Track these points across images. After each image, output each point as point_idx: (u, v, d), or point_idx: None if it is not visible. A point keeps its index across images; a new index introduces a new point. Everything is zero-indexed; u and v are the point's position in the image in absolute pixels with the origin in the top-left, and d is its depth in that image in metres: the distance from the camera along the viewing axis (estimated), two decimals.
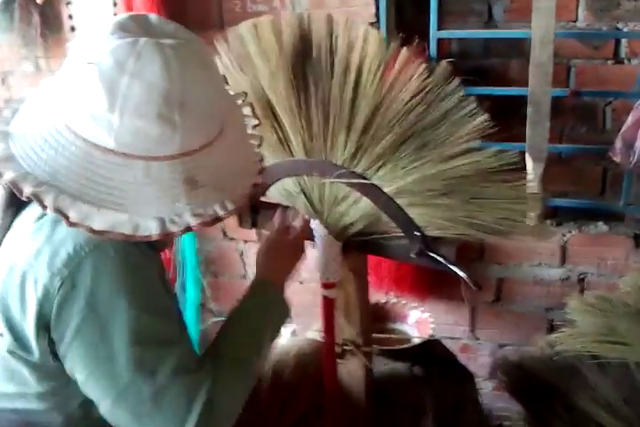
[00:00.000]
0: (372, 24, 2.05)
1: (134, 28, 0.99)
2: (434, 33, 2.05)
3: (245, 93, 1.27)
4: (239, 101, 1.25)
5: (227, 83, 1.30)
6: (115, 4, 2.17)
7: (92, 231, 0.96)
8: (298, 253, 1.42)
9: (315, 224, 1.51)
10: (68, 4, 2.27)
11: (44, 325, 1.00)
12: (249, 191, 1.11)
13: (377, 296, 2.15)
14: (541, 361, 1.91)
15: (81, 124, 0.97)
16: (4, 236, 1.11)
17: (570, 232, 2.16)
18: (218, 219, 1.03)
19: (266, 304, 1.27)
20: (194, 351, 1.10)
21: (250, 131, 1.22)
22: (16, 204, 1.11)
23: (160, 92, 0.94)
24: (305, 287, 2.35)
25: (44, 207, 0.95)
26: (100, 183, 0.97)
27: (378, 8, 2.04)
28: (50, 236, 1.02)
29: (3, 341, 1.04)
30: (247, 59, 1.52)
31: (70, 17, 2.29)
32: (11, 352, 1.04)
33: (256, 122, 1.24)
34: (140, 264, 1.04)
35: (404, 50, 1.45)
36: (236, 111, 1.21)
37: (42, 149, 0.98)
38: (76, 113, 0.97)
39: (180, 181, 0.99)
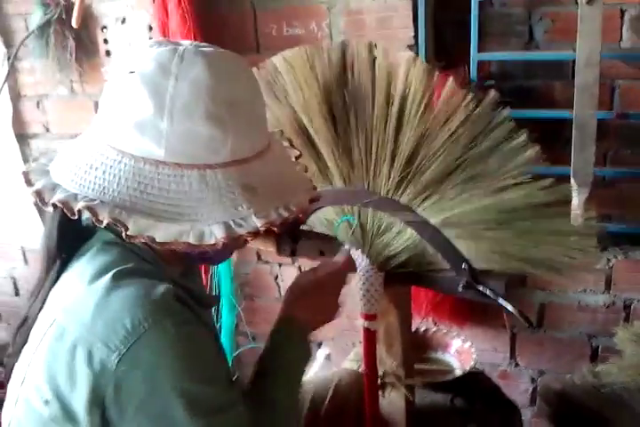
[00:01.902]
0: (410, 47, 2.02)
1: (171, 43, 0.99)
2: (474, 55, 2.01)
3: (282, 131, 1.26)
4: (277, 136, 1.22)
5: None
6: (150, 29, 2.17)
7: (155, 243, 0.93)
8: (336, 301, 1.31)
9: (357, 254, 1.47)
10: (104, 28, 2.28)
11: (98, 400, 0.94)
12: (307, 204, 1.09)
13: (415, 322, 2.11)
14: (585, 391, 1.86)
15: (127, 139, 0.95)
16: (50, 289, 1.05)
17: (615, 257, 2.10)
18: (284, 220, 1.01)
19: (305, 355, 1.22)
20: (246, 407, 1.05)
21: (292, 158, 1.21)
22: (63, 254, 1.06)
23: (207, 90, 0.94)
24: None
25: (100, 221, 0.93)
26: (155, 195, 0.95)
27: (417, 30, 2.01)
28: (104, 305, 0.95)
29: (47, 409, 0.97)
30: (283, 89, 1.50)
31: (106, 41, 2.30)
32: (54, 420, 0.97)
33: (297, 153, 1.22)
34: (197, 334, 0.99)
35: (450, 79, 1.41)
36: (277, 138, 1.20)
37: (87, 173, 0.97)
38: (121, 128, 0.95)
39: (238, 188, 0.97)
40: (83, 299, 0.97)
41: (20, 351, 1.04)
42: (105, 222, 0.93)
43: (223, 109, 0.95)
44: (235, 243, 0.99)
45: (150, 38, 2.20)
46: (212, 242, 0.95)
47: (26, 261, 2.89)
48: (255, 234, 0.97)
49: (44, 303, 1.04)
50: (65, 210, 0.94)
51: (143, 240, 0.93)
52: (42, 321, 1.02)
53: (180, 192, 0.96)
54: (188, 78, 0.94)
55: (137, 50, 0.99)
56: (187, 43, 1.01)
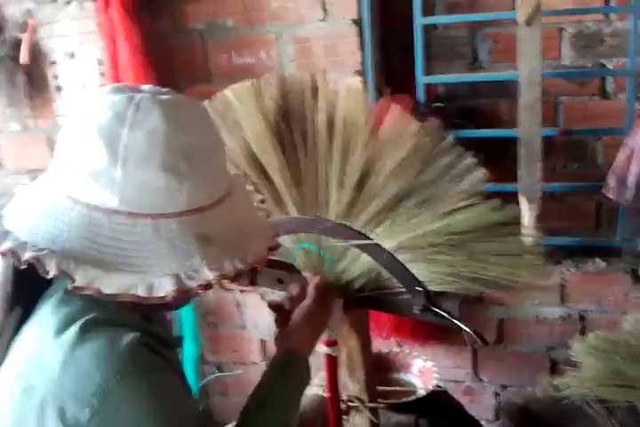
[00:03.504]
0: (358, 72, 2.05)
1: (128, 89, 0.97)
2: (420, 78, 2.05)
3: (245, 174, 1.25)
4: (239, 180, 1.19)
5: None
6: (100, 63, 2.18)
7: (102, 295, 0.91)
8: (325, 315, 1.39)
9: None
10: (53, 63, 2.27)
11: None
12: (265, 254, 1.06)
13: (377, 343, 2.13)
14: (547, 404, 1.89)
15: (81, 187, 0.93)
16: (11, 339, 1.02)
17: (568, 270, 2.15)
18: (238, 272, 0.97)
19: (302, 382, 1.25)
20: None
21: (255, 203, 1.20)
22: (22, 302, 1.03)
23: (163, 140, 0.92)
24: None
25: (47, 272, 0.90)
26: (105, 245, 0.92)
27: (364, 56, 2.04)
28: (72, 360, 0.93)
29: None
30: (235, 120, 1.51)
31: (55, 77, 2.29)
32: None
33: (261, 197, 1.22)
34: (167, 381, 0.98)
35: (394, 105, 1.45)
36: (239, 181, 1.16)
37: (39, 219, 0.94)
38: (76, 176, 0.93)
39: (192, 238, 0.94)
40: (49, 354, 0.95)
41: None
42: (51, 275, 0.90)
43: (180, 159, 0.92)
44: (186, 294, 0.96)
45: (101, 73, 2.20)
46: (162, 295, 0.92)
47: None
48: (207, 287, 0.95)
49: (5, 353, 1.02)
50: (13, 260, 0.92)
51: (90, 292, 0.91)
52: (6, 374, 0.99)
53: (132, 242, 0.93)
54: (143, 127, 0.91)
55: (93, 95, 0.96)
56: (146, 88, 0.99)
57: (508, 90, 2.16)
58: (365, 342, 1.59)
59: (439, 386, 1.91)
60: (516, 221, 1.41)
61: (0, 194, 1.06)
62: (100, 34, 2.11)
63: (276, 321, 1.37)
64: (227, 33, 2.16)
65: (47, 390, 0.92)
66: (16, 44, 2.24)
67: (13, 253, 0.92)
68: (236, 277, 0.98)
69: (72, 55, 2.24)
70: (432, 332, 2.26)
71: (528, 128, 1.92)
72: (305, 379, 1.26)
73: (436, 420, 1.79)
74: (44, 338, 0.97)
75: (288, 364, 1.25)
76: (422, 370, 1.99)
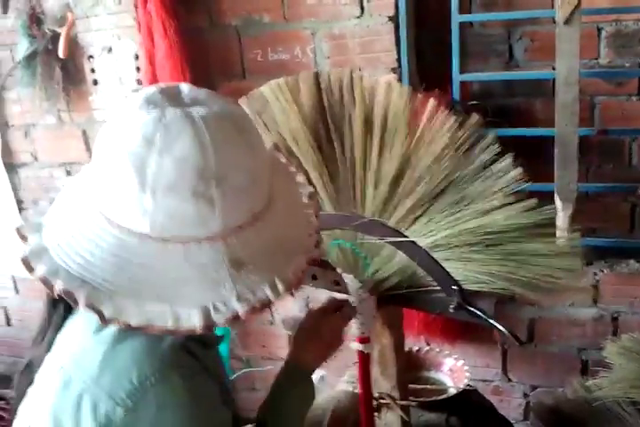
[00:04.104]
0: (393, 70, 2.04)
1: (162, 100, 0.91)
2: (456, 76, 2.04)
3: (297, 160, 1.22)
4: (292, 169, 1.15)
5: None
6: (137, 58, 2.19)
7: (130, 328, 0.89)
8: (338, 342, 1.35)
9: (348, 279, 1.48)
10: (90, 57, 2.29)
11: None
12: (304, 268, 1.00)
13: (408, 342, 2.13)
14: (578, 405, 1.87)
15: (114, 209, 0.91)
16: (55, 334, 1.04)
17: (601, 271, 2.13)
18: (267, 303, 0.93)
19: (306, 397, 1.27)
20: None
21: (305, 200, 1.10)
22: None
23: (193, 166, 0.87)
24: None
25: (76, 304, 0.89)
26: (137, 273, 0.90)
27: (399, 53, 2.04)
28: (111, 357, 0.94)
29: None
30: (270, 118, 1.52)
31: (92, 70, 2.31)
32: None
33: (311, 189, 1.12)
34: (202, 387, 0.98)
35: (431, 101, 1.44)
36: (286, 179, 1.11)
37: (75, 240, 0.93)
38: (109, 198, 0.91)
39: (225, 263, 0.91)
40: (89, 349, 0.96)
41: (23, 394, 1.04)
42: (81, 308, 0.89)
43: (210, 184, 0.88)
44: (215, 327, 0.92)
45: (137, 68, 2.22)
46: (189, 327, 0.90)
47: (17, 290, 2.89)
48: (236, 318, 0.91)
49: (49, 349, 1.03)
50: (46, 287, 0.91)
51: (118, 325, 0.89)
52: (49, 366, 1.01)
53: (163, 270, 0.91)
54: (172, 153, 0.87)
55: (125, 109, 0.92)
56: (183, 95, 0.94)
57: (543, 89, 2.15)
58: (398, 340, 1.60)
59: (470, 385, 1.90)
60: (552, 222, 1.41)
61: (45, 189, 1.03)
62: (137, 28, 2.12)
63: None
64: (262, 29, 2.15)
65: (85, 385, 0.94)
66: (54, 38, 2.26)
67: (45, 282, 0.91)
68: (264, 308, 0.93)
69: (109, 49, 2.26)
70: (462, 331, 2.25)
71: (565, 128, 1.90)
72: (308, 393, 1.28)
73: (467, 419, 1.79)
74: (86, 334, 0.98)
75: (290, 378, 1.27)
76: (453, 369, 1.99)
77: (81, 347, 0.98)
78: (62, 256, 0.92)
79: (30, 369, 1.05)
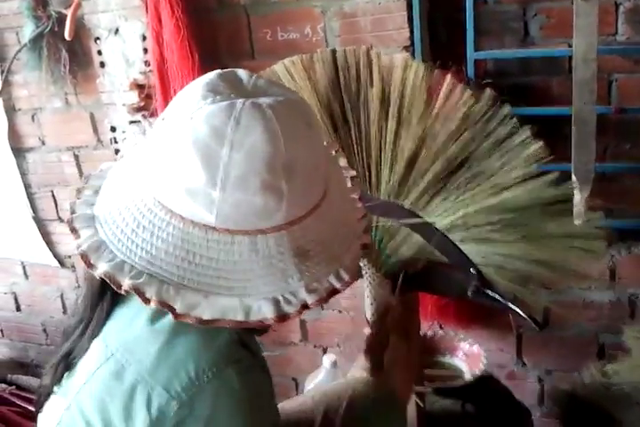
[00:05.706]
0: (406, 48, 2.00)
1: (225, 88, 0.90)
2: (471, 54, 2.00)
3: (339, 143, 1.19)
4: (333, 152, 1.13)
5: None
6: (144, 39, 2.15)
7: (202, 322, 0.88)
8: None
9: (363, 262, 1.46)
10: (97, 39, 2.26)
11: None
12: (359, 255, 1.02)
13: (422, 327, 2.10)
14: (594, 390, 1.85)
15: (175, 200, 0.89)
16: (102, 324, 1.00)
17: (619, 253, 2.09)
18: (334, 292, 0.94)
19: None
20: None
21: (349, 184, 1.11)
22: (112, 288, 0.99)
23: (264, 160, 0.86)
24: (344, 317, 2.31)
25: (147, 301, 0.88)
26: (203, 266, 0.90)
27: (412, 31, 2.00)
28: (168, 349, 0.92)
29: None
30: None
31: (99, 53, 2.27)
32: None
33: (353, 173, 1.12)
34: (257, 382, 0.96)
35: (448, 77, 1.41)
36: (334, 165, 1.10)
37: (134, 232, 0.91)
38: (169, 188, 0.89)
39: (290, 253, 0.91)
40: (145, 340, 0.94)
41: (57, 382, 1.01)
42: (152, 305, 0.88)
43: (280, 177, 0.87)
44: (287, 317, 0.92)
45: (145, 49, 2.18)
46: (260, 319, 0.89)
47: (26, 276, 2.87)
48: (304, 309, 0.91)
49: (92, 338, 1.00)
50: (111, 284, 0.89)
51: (190, 321, 0.88)
52: (96, 352, 0.98)
53: (229, 262, 0.90)
54: (244, 147, 0.86)
55: (188, 100, 0.89)
56: (245, 84, 0.92)
57: (560, 66, 2.10)
58: (414, 325, 1.57)
59: (486, 371, 1.87)
60: (570, 200, 1.37)
61: (86, 176, 0.99)
62: (144, 9, 2.08)
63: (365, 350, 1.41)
64: (271, 8, 2.11)
65: (139, 376, 0.92)
66: (60, 20, 2.23)
67: (111, 279, 0.89)
68: (330, 298, 0.94)
69: (116, 31, 2.22)
70: (476, 315, 2.22)
71: (582, 106, 1.85)
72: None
73: (483, 405, 1.76)
74: (139, 323, 0.96)
75: (389, 404, 1.29)
76: (468, 354, 1.96)
77: (135, 337, 0.96)
78: (123, 250, 0.91)
79: (70, 360, 1.01)
